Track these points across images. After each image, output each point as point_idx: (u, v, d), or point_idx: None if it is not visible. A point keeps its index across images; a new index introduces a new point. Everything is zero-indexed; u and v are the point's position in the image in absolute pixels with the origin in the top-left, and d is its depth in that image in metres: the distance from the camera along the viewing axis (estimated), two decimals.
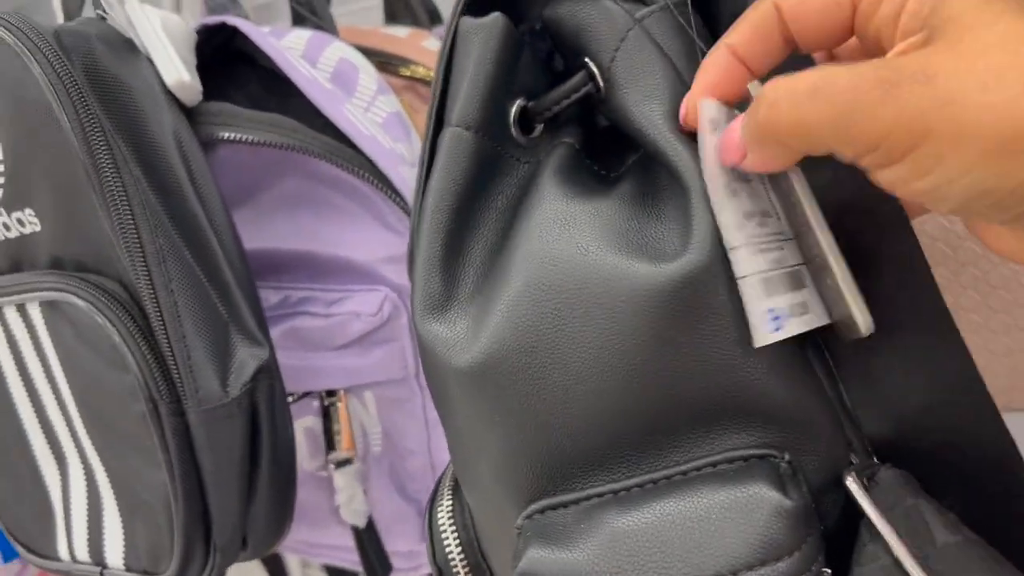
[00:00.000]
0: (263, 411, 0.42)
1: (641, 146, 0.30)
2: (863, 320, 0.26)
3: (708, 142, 0.27)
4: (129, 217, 0.38)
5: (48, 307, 0.42)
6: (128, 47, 0.42)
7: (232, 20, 0.50)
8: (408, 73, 0.57)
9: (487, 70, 0.31)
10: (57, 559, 0.48)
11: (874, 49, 0.25)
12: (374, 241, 0.48)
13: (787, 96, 0.23)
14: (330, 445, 0.51)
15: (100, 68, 0.40)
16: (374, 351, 0.50)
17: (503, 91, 0.31)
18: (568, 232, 0.28)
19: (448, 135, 0.31)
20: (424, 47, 0.59)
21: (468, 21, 0.32)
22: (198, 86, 0.43)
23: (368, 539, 0.52)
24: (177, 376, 0.39)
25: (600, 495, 0.28)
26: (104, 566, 0.46)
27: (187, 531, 0.41)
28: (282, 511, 0.45)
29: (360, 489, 0.51)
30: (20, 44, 0.38)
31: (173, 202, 0.40)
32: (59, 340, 0.43)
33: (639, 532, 0.26)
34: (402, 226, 0.48)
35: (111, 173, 0.38)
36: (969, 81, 0.21)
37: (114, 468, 0.44)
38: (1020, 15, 0.22)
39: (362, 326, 0.49)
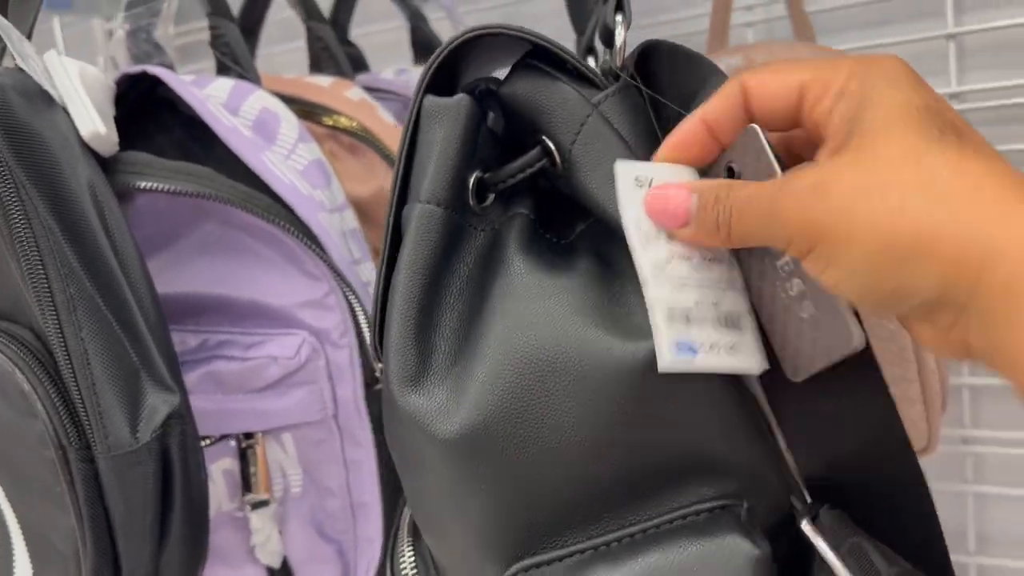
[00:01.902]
0: (175, 455, 0.42)
1: (591, 215, 0.32)
2: (858, 334, 0.29)
3: (635, 196, 0.29)
4: (39, 266, 0.39)
5: None
6: (43, 98, 0.43)
7: (153, 69, 0.51)
8: (331, 123, 0.59)
9: (455, 148, 0.33)
10: None
11: (815, 137, 0.29)
12: (292, 286, 0.49)
13: (738, 206, 0.28)
14: (247, 487, 0.51)
15: (13, 118, 0.41)
16: (292, 393, 0.50)
17: (466, 166, 0.33)
18: (542, 305, 0.31)
19: (417, 211, 0.33)
20: (346, 96, 0.61)
21: (433, 101, 0.34)
22: (114, 137, 0.44)
23: None
24: (87, 422, 0.40)
25: (582, 551, 0.30)
26: None
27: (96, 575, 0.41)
28: (195, 553, 0.45)
29: (276, 530, 0.52)
30: None
31: (86, 251, 0.41)
32: None
33: None
34: (319, 271, 0.49)
35: (21, 223, 0.39)
36: (859, 193, 0.25)
37: (25, 516, 0.44)
38: (925, 132, 0.25)
39: (279, 370, 0.50)
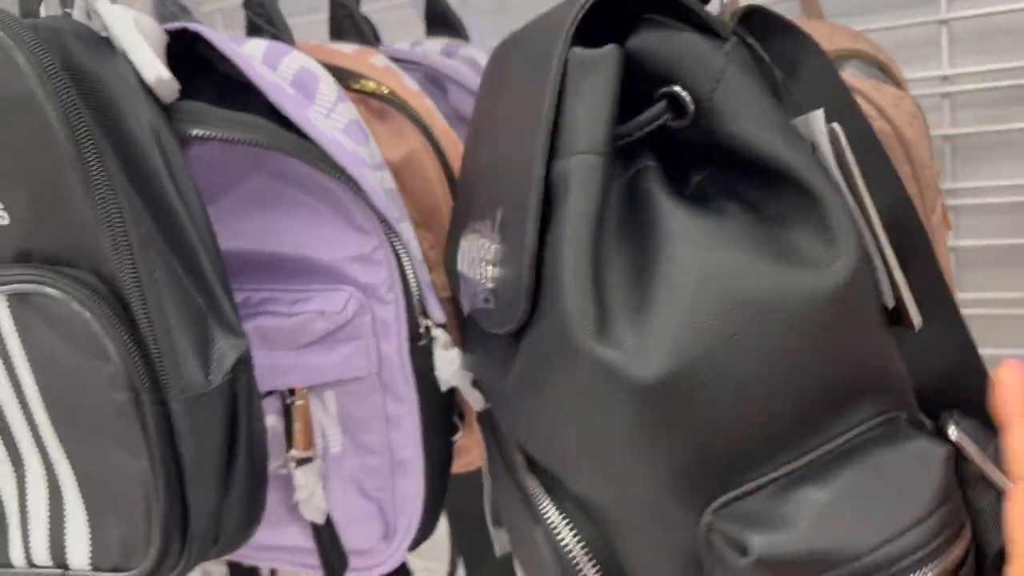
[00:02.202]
0: (242, 402, 0.42)
1: (708, 166, 0.34)
2: (916, 318, 0.32)
3: None
4: (115, 206, 0.39)
5: (17, 300, 0.42)
6: (102, 44, 0.43)
7: (193, 26, 0.50)
8: (358, 87, 0.59)
9: (611, 98, 0.34)
10: (10, 566, 0.47)
11: None
12: (341, 240, 0.49)
13: None
14: (290, 443, 0.51)
15: (76, 62, 0.40)
16: (338, 349, 0.51)
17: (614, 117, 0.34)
18: (721, 248, 0.32)
19: (577, 162, 0.33)
20: (372, 63, 0.61)
21: (583, 52, 0.35)
22: (175, 84, 0.44)
23: (327, 536, 0.52)
24: (160, 365, 0.40)
25: (777, 479, 0.31)
26: (66, 567, 0.45)
27: (166, 521, 0.40)
28: (255, 505, 0.45)
29: (320, 486, 0.52)
30: (1, 34, 0.38)
31: (152, 194, 0.41)
32: (28, 334, 0.42)
33: (841, 499, 0.30)
34: (369, 225, 0.49)
35: (96, 163, 0.39)
36: None
37: (82, 464, 0.43)
38: None
39: (326, 325, 0.50)
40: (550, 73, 0.34)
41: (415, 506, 0.54)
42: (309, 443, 0.51)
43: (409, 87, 0.61)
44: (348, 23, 0.65)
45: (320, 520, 0.52)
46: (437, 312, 0.52)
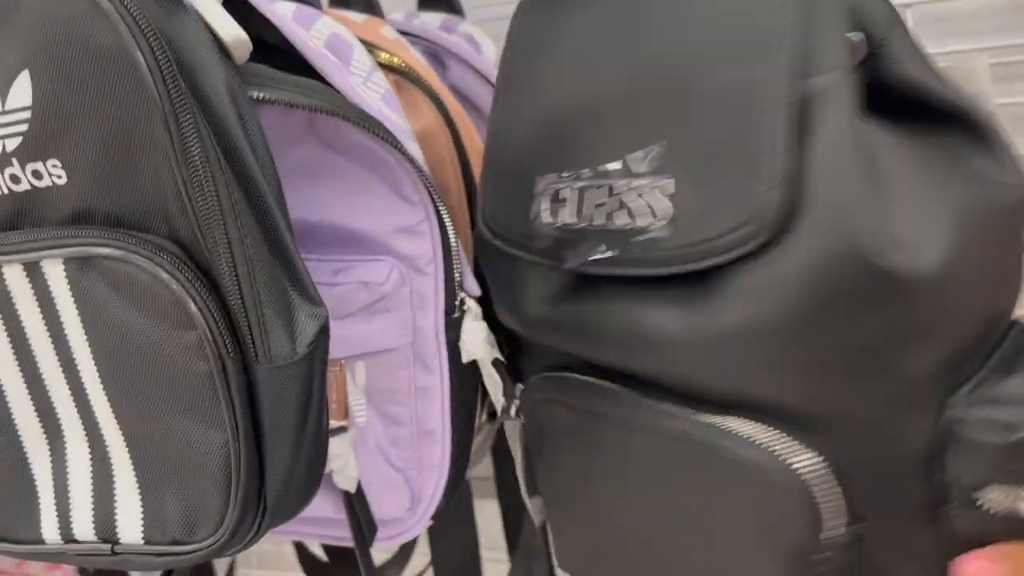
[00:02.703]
0: (317, 371, 0.42)
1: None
2: None
3: None
4: (207, 169, 0.38)
5: (78, 263, 0.40)
6: (175, 3, 0.41)
7: None
8: (374, 58, 0.58)
9: (844, 16, 0.39)
10: (41, 542, 0.45)
11: None
12: (388, 211, 0.49)
13: None
14: None
15: (155, 18, 0.39)
16: (376, 320, 0.50)
17: None
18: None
19: (830, 79, 0.36)
20: (383, 34, 0.61)
21: None
22: (250, 43, 0.43)
23: (358, 503, 0.52)
24: (248, 334, 0.39)
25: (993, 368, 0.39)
26: (116, 542, 0.43)
27: (247, 491, 0.40)
28: (317, 473, 0.45)
29: (352, 456, 0.52)
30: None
31: (235, 159, 0.40)
32: (87, 299, 0.40)
33: None
34: (417, 196, 0.49)
35: (189, 123, 0.37)
36: None
37: (140, 436, 0.42)
38: None
39: (368, 295, 0.50)
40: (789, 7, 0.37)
41: (441, 475, 0.54)
42: (344, 413, 0.51)
43: (420, 60, 0.61)
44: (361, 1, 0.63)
45: (352, 488, 0.52)
46: (473, 285, 0.53)
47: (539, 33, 0.48)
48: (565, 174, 0.43)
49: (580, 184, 0.42)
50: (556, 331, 0.46)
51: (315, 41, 0.51)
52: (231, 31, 0.41)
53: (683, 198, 0.38)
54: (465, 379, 0.54)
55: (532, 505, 0.53)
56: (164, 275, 0.38)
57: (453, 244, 0.51)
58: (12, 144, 0.40)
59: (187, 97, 0.38)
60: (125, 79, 0.37)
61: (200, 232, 0.39)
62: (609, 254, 0.41)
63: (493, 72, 0.65)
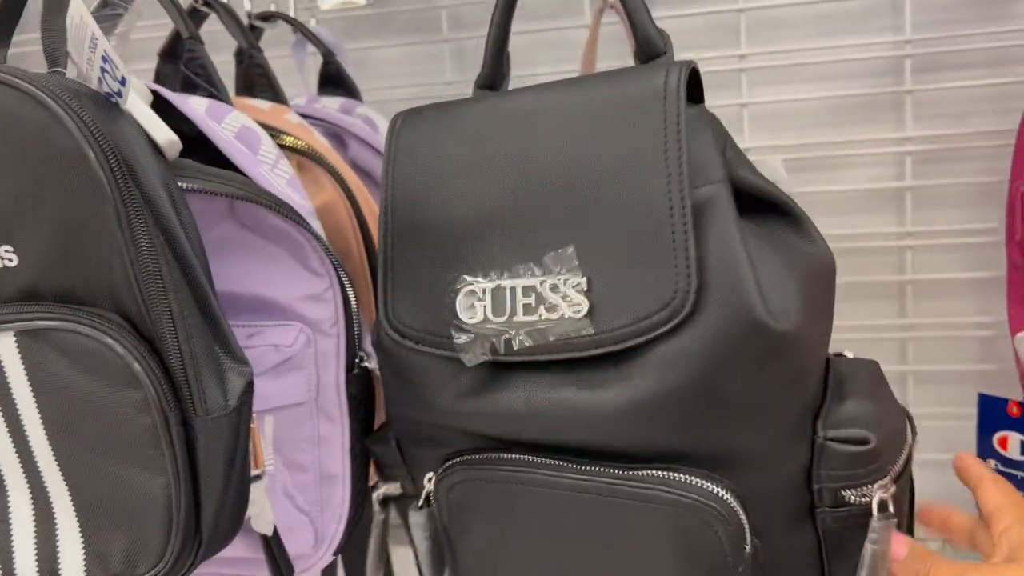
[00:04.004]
0: (244, 417, 0.49)
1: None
2: None
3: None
4: (152, 252, 0.44)
5: (29, 336, 0.45)
6: (109, 104, 0.48)
7: (150, 85, 0.56)
8: (279, 142, 0.66)
9: (723, 138, 0.51)
10: None
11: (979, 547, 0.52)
12: (297, 282, 0.57)
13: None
14: None
15: (104, 125, 0.45)
16: (285, 378, 0.57)
17: None
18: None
19: (715, 189, 0.47)
20: (287, 119, 0.69)
21: (695, 108, 0.50)
22: (179, 144, 0.50)
23: (275, 545, 0.58)
24: (187, 391, 0.45)
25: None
26: None
27: (186, 526, 0.46)
28: (241, 511, 0.51)
29: (267, 501, 0.58)
30: (46, 96, 0.43)
31: (172, 242, 0.47)
32: (37, 367, 0.46)
33: None
34: (323, 268, 0.57)
35: (136, 214, 0.44)
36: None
37: (84, 487, 0.47)
38: None
39: (278, 356, 0.57)
40: (669, 124, 0.46)
41: (342, 515, 0.61)
42: (260, 462, 0.57)
43: (321, 141, 0.69)
44: (262, 81, 0.71)
45: (269, 532, 0.58)
46: (368, 343, 0.61)
47: (418, 147, 0.54)
48: (479, 276, 0.50)
49: (495, 283, 0.49)
50: (473, 418, 0.52)
51: (227, 133, 0.59)
52: (164, 134, 0.48)
53: (597, 292, 0.47)
54: (363, 426, 0.62)
55: None
56: (110, 341, 0.45)
57: (354, 308, 0.59)
58: None
59: (134, 192, 0.44)
60: (80, 178, 0.44)
61: (144, 306, 0.45)
62: (529, 343, 0.48)
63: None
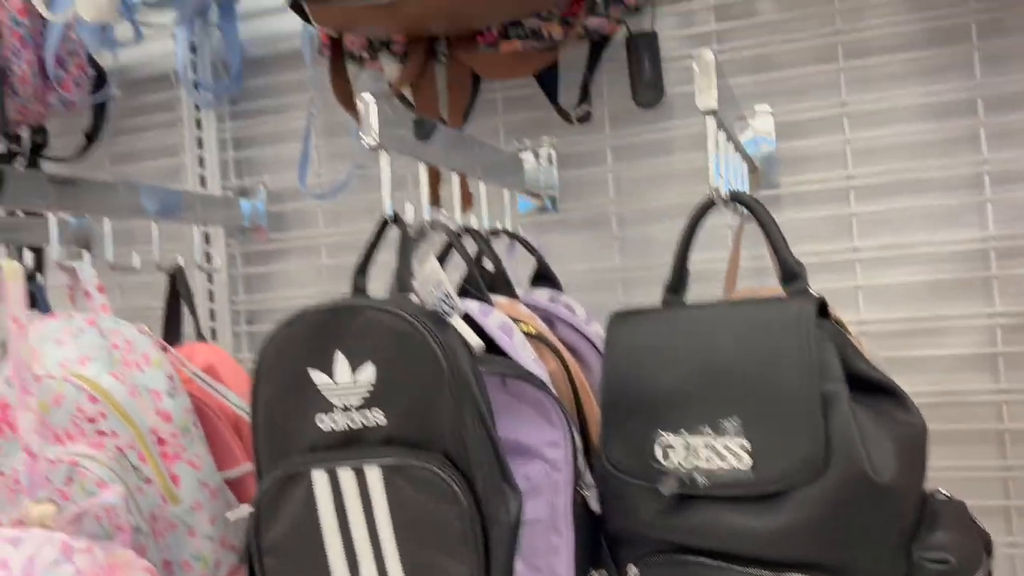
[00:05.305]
0: (519, 530, 0.73)
1: None
2: None
3: None
4: (470, 415, 0.70)
5: (389, 470, 0.71)
6: (443, 320, 0.75)
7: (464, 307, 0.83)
8: (521, 328, 0.92)
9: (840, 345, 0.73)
10: None
11: None
12: (541, 432, 0.81)
13: None
14: None
15: (442, 333, 0.72)
16: (532, 501, 0.81)
17: None
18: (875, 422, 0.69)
19: (838, 386, 0.70)
20: (520, 311, 0.95)
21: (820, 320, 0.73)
22: (484, 346, 0.76)
23: None
24: (487, 508, 0.70)
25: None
26: None
27: None
28: None
29: None
30: (413, 319, 0.70)
31: (479, 407, 0.72)
32: (392, 491, 0.71)
33: None
34: (558, 422, 0.81)
35: (463, 389, 0.70)
36: None
37: (414, 571, 0.72)
38: None
39: (528, 485, 0.81)
40: (805, 340, 0.70)
41: None
42: None
43: (542, 325, 0.95)
44: (501, 281, 0.98)
45: None
46: (589, 477, 0.85)
47: (628, 338, 0.81)
48: (671, 432, 0.75)
49: (683, 439, 0.75)
50: (666, 530, 0.75)
51: (496, 329, 0.85)
52: (474, 340, 0.75)
53: (756, 451, 0.71)
54: (586, 539, 0.85)
55: None
56: (441, 474, 0.70)
57: (580, 452, 0.83)
58: (355, 402, 0.72)
59: (460, 376, 0.71)
60: (430, 366, 0.70)
61: (465, 451, 0.70)
62: (708, 483, 0.73)
63: (584, 326, 1.00)
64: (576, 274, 1.28)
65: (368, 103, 0.79)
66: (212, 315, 1.44)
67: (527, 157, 1.26)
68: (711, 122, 0.74)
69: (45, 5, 1.10)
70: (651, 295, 1.24)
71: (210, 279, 1.44)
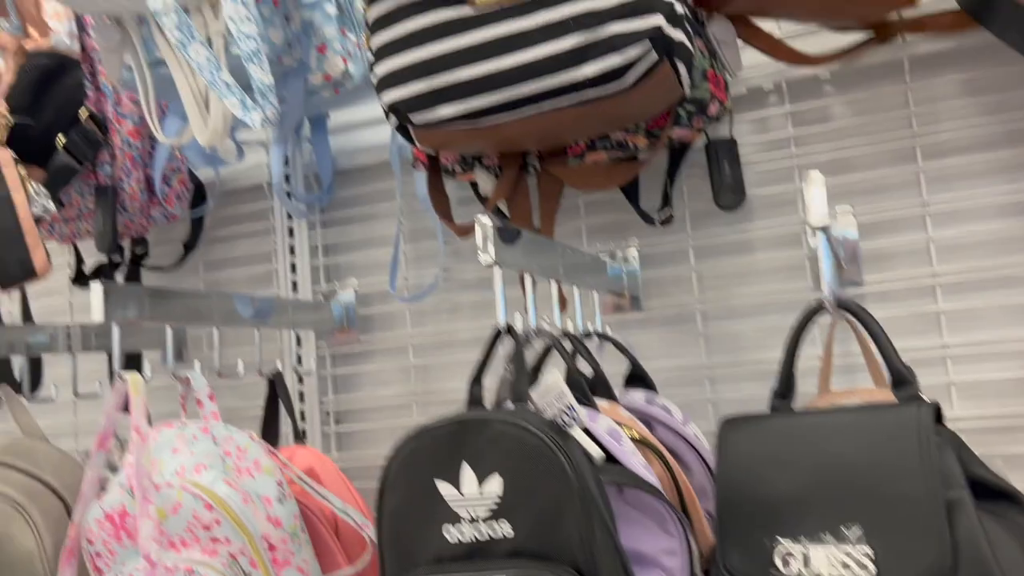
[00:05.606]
0: None
1: None
2: None
3: None
4: (599, 524, 0.72)
5: None
6: (565, 431, 0.77)
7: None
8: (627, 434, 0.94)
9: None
10: None
11: None
12: (658, 540, 0.83)
13: None
14: None
15: (566, 445, 0.75)
16: None
17: None
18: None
19: (962, 494, 0.71)
20: (621, 414, 0.97)
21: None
22: (604, 456, 0.78)
23: None
24: None
25: None
26: None
27: None
28: None
29: None
30: (539, 432, 0.73)
31: (604, 517, 0.75)
32: None
33: None
34: (675, 531, 0.83)
35: (588, 500, 0.73)
36: None
37: None
38: None
39: None
40: (925, 446, 0.71)
41: None
42: None
43: (644, 430, 0.97)
44: (600, 384, 1.01)
45: None
46: None
47: (741, 444, 0.83)
48: (790, 540, 0.76)
49: (803, 546, 0.76)
50: None
51: (602, 430, 0.88)
52: (595, 450, 0.77)
53: (880, 560, 0.72)
54: None
55: None
56: None
57: (696, 560, 0.84)
58: (483, 514, 0.75)
59: (586, 487, 0.73)
60: (558, 478, 0.73)
61: (593, 562, 0.72)
62: None
63: (680, 427, 1.02)
64: (662, 371, 1.30)
65: (484, 225, 0.83)
66: (302, 415, 1.47)
67: (609, 259, 1.30)
68: (821, 236, 0.77)
69: (159, 129, 1.17)
70: (738, 391, 1.26)
71: (300, 380, 1.48)
